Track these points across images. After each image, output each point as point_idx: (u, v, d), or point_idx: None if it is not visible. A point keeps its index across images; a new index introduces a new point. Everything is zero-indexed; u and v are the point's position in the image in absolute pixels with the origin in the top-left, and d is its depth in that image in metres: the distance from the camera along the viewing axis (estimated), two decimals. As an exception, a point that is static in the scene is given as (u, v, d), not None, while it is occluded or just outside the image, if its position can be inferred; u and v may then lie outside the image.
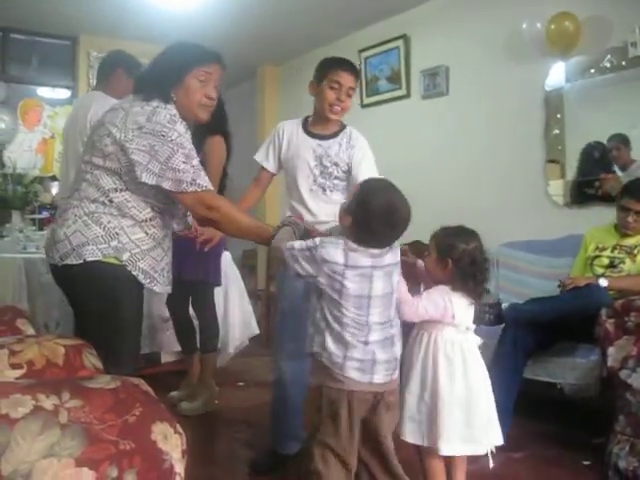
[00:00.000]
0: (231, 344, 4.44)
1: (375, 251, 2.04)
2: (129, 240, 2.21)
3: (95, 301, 2.23)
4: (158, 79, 2.28)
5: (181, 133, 2.19)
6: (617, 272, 3.45)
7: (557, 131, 4.45)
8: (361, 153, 2.91)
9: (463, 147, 5.09)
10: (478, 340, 2.36)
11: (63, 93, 6.67)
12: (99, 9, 5.52)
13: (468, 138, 5.06)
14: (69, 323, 3.35)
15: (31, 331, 2.35)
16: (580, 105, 4.34)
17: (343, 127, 2.95)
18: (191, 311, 3.92)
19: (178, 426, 1.36)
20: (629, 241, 3.49)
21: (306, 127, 2.93)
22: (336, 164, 2.87)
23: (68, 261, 2.18)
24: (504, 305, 3.46)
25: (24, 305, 3.88)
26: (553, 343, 3.33)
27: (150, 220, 2.28)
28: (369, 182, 2.22)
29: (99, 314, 2.23)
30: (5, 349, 1.76)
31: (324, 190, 2.88)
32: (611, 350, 2.78)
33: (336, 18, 5.74)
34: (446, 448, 2.25)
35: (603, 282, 3.26)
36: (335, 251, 2.01)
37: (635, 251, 3.45)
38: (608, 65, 4.12)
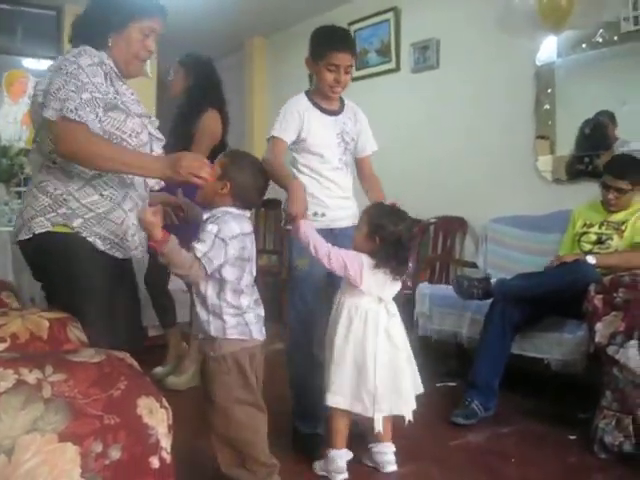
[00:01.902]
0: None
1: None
2: (80, 205, 2.09)
3: (51, 276, 2.15)
4: (96, 23, 2.18)
5: (81, 65, 2.04)
6: (605, 248, 3.45)
7: (547, 106, 4.42)
8: (366, 126, 2.99)
9: (453, 121, 5.06)
10: (392, 311, 2.53)
11: (49, 64, 6.56)
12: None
13: (458, 112, 5.02)
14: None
15: (16, 304, 2.32)
16: (571, 80, 4.31)
17: (342, 100, 2.94)
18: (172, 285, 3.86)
19: (164, 400, 1.35)
20: (616, 217, 3.49)
21: (316, 103, 2.86)
22: (353, 139, 2.92)
23: (20, 236, 2.13)
24: (492, 280, 3.46)
25: (10, 278, 3.84)
26: (541, 318, 3.33)
27: (101, 177, 2.12)
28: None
29: (58, 288, 2.14)
30: (-12, 322, 1.73)
31: (347, 166, 2.91)
32: (599, 326, 2.79)
33: (326, -10, 5.66)
34: (330, 399, 2.45)
35: (591, 259, 3.26)
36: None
37: (623, 227, 3.45)
38: (600, 40, 4.08)
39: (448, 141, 5.07)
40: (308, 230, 2.44)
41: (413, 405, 2.51)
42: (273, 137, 2.81)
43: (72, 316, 1.83)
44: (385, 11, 5.61)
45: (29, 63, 6.60)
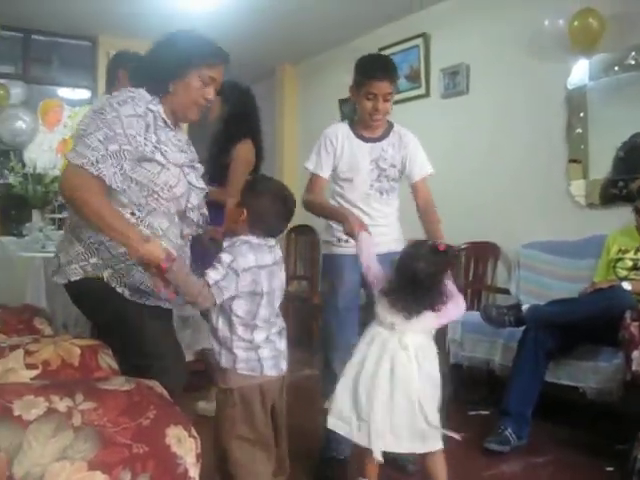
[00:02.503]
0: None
1: None
2: (111, 256, 2.08)
3: (92, 315, 2.25)
4: (158, 68, 2.15)
5: (120, 115, 2.00)
6: (641, 274, 3.40)
7: (579, 130, 4.37)
8: (414, 150, 2.98)
9: (483, 146, 5.03)
10: (409, 342, 2.34)
11: (83, 93, 6.71)
12: (117, 9, 5.53)
13: (488, 137, 5.00)
14: (88, 322, 3.34)
15: (49, 330, 2.35)
16: (603, 103, 4.27)
17: (391, 126, 2.96)
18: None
19: (193, 429, 1.34)
20: (653, 243, 3.44)
21: (356, 131, 2.91)
22: (393, 165, 2.91)
23: (57, 279, 2.16)
24: (524, 307, 3.41)
25: (43, 304, 3.88)
26: (575, 346, 3.28)
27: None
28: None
29: (101, 326, 2.23)
30: (21, 349, 1.75)
31: (381, 193, 2.91)
32: (636, 354, 2.73)
33: (356, 16, 5.69)
34: (330, 422, 2.39)
35: (627, 285, 3.20)
36: None
37: (658, 253, 3.40)
38: (632, 62, 4.04)
39: (479, 166, 5.04)
40: (364, 243, 2.46)
41: (408, 448, 2.36)
42: (311, 173, 2.85)
43: (103, 343, 1.84)
44: (414, 37, 5.62)
45: (64, 92, 6.76)
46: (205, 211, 2.38)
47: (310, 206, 2.76)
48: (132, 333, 2.09)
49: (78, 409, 1.24)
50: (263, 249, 2.10)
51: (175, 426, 1.31)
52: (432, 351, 2.40)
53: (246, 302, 2.05)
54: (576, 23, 4.10)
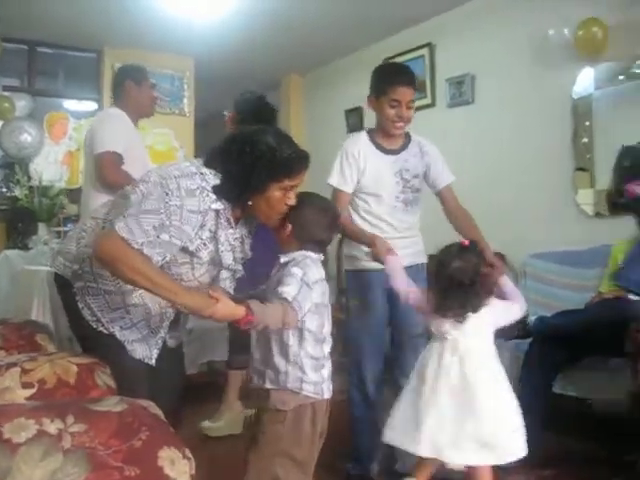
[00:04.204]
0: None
1: None
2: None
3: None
4: (236, 184, 1.97)
5: (183, 207, 1.88)
6: (647, 285, 3.36)
7: (586, 139, 4.35)
8: (435, 158, 2.98)
9: (489, 156, 5.02)
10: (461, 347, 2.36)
11: (89, 105, 6.72)
12: (123, 21, 5.54)
13: (494, 147, 4.98)
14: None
15: (51, 346, 2.34)
16: (609, 112, 4.24)
17: (409, 136, 2.95)
18: None
19: (187, 451, 1.32)
20: (658, 252, 3.40)
21: (377, 142, 2.88)
22: (416, 176, 2.90)
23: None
24: (531, 318, 3.38)
25: (47, 318, 3.88)
26: (582, 357, 3.23)
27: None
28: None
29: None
30: (18, 367, 1.75)
31: (406, 204, 2.89)
32: (643, 365, 2.70)
33: (361, 27, 5.69)
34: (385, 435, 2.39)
35: (633, 296, 3.17)
36: None
37: (666, 263, 3.36)
38: (637, 71, 4.02)
39: (485, 175, 5.01)
40: (394, 268, 2.50)
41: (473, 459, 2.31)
42: (335, 189, 2.81)
43: (100, 362, 1.82)
44: (420, 47, 5.62)
45: (70, 105, 6.79)
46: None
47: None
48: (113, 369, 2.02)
49: (69, 431, 1.22)
50: (319, 263, 2.09)
51: (168, 448, 1.29)
52: (490, 354, 2.39)
53: (317, 315, 2.04)
54: (581, 32, 4.10)
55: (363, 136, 2.91)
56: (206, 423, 3.65)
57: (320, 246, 2.12)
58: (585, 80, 4.32)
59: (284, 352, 2.01)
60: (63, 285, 2.15)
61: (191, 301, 1.83)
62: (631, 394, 2.97)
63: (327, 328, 2.10)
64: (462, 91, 5.28)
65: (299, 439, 2.01)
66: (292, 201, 2.04)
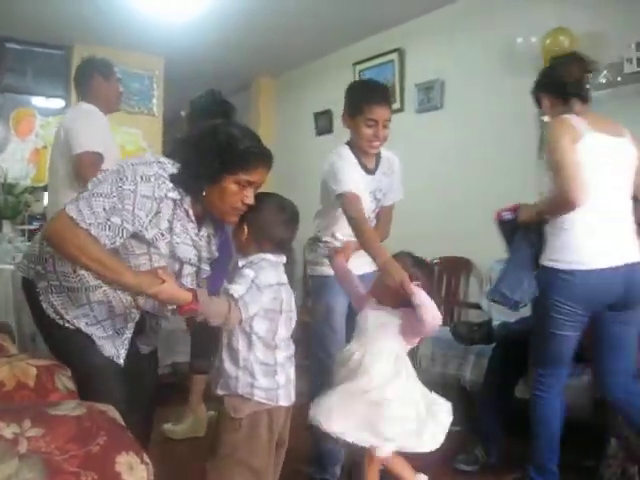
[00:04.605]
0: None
1: None
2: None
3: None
4: (192, 173, 1.97)
5: (137, 192, 1.89)
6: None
7: (552, 147, 4.39)
8: (397, 175, 2.99)
9: (456, 161, 5.05)
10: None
11: (57, 103, 6.63)
12: (93, 19, 5.49)
13: (463, 152, 5.02)
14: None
15: (12, 347, 2.32)
16: (575, 121, 4.29)
17: (379, 152, 2.90)
18: None
19: (145, 456, 1.31)
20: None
21: (359, 160, 2.81)
22: (385, 193, 2.92)
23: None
24: (495, 324, 3.42)
25: (10, 317, 3.83)
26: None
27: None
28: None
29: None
30: (-25, 369, 1.71)
31: (372, 220, 2.88)
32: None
33: (332, 31, 5.71)
34: None
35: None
36: None
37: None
38: (604, 81, 4.06)
39: (452, 181, 5.05)
40: (336, 267, 2.59)
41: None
42: (350, 192, 2.63)
43: (60, 364, 1.80)
44: (390, 52, 5.65)
45: (38, 101, 6.68)
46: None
47: (360, 224, 2.58)
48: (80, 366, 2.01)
49: (25, 436, 1.20)
50: (279, 266, 2.06)
51: (126, 453, 1.28)
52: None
53: (267, 320, 2.01)
54: (548, 41, 4.14)
55: (348, 152, 2.81)
56: (169, 426, 3.62)
57: (280, 247, 2.08)
58: (552, 89, 4.36)
59: (234, 357, 2.00)
60: (27, 286, 2.14)
61: (135, 280, 1.84)
62: (593, 399, 3.01)
63: (282, 335, 2.05)
64: (431, 96, 5.31)
65: (256, 447, 1.99)
66: (249, 200, 2.01)
